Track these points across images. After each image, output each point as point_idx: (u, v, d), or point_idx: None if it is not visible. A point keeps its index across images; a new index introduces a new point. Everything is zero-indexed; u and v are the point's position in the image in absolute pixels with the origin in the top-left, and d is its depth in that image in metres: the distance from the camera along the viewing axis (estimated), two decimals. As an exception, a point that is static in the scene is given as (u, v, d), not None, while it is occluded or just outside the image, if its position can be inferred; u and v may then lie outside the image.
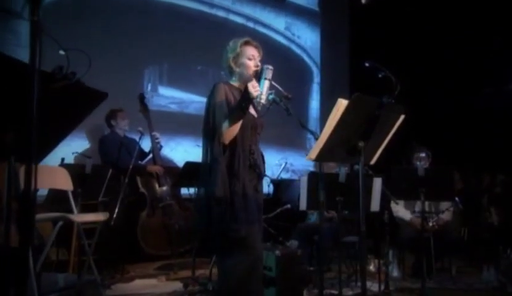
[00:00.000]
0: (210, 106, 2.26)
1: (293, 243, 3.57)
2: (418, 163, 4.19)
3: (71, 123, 1.67)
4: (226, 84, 2.36)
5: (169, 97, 5.78)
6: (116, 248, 4.21)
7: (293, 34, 7.35)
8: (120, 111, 4.63)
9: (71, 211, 3.24)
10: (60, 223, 2.95)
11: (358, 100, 1.73)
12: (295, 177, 6.94)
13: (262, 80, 2.22)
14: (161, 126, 5.34)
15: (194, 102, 5.89)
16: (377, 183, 3.32)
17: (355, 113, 1.77)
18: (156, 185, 4.62)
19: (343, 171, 3.55)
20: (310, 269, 3.49)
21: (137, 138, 4.48)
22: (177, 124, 5.67)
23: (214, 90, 2.28)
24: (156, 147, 4.65)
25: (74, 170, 3.31)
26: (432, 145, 6.77)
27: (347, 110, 1.68)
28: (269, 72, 2.23)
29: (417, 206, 3.99)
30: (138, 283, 3.95)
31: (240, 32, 5.68)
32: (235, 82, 2.40)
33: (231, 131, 2.18)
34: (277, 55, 6.95)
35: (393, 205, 4.04)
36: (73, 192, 3.26)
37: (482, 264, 4.19)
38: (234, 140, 2.21)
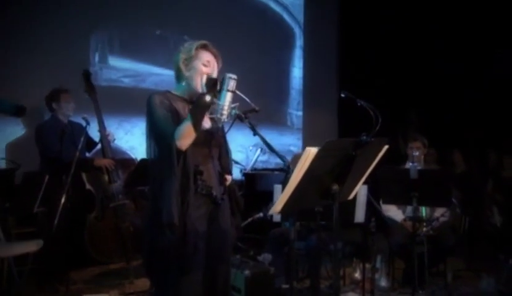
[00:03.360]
0: (152, 123, 2.23)
1: (266, 258, 3.59)
2: (414, 153, 4.21)
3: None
4: (164, 93, 2.32)
5: (121, 69, 5.63)
6: (60, 255, 4.18)
7: (271, -13, 7.17)
8: (64, 92, 4.46)
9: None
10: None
11: (330, 146, 1.70)
12: (273, 160, 6.95)
13: (223, 92, 2.17)
14: (112, 105, 5.25)
15: (152, 74, 5.76)
16: (362, 191, 3.34)
17: (326, 158, 1.74)
18: (107, 182, 4.54)
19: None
20: (286, 287, 3.54)
21: (83, 123, 4.37)
22: (132, 101, 5.54)
23: (149, 104, 2.24)
24: (106, 138, 4.54)
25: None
26: (432, 123, 6.93)
27: (317, 157, 1.65)
28: (232, 82, 2.17)
29: (409, 211, 4.05)
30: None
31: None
32: (179, 92, 2.36)
33: (186, 138, 2.13)
34: (251, 13, 6.80)
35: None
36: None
37: (481, 270, 4.32)
38: (169, 170, 2.15)
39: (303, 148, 7.57)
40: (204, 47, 2.34)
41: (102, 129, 4.56)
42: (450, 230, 4.33)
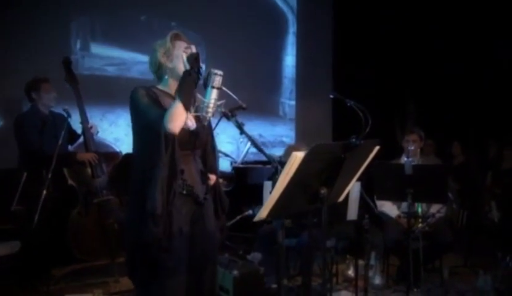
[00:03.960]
0: (138, 115, 2.24)
1: (255, 257, 3.61)
2: (409, 147, 4.22)
3: None
4: (149, 88, 2.33)
5: (104, 57, 5.60)
6: (41, 254, 4.17)
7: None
8: (45, 81, 4.41)
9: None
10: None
11: (317, 150, 1.70)
12: (265, 150, 6.94)
13: (209, 88, 2.16)
14: (95, 95, 5.21)
15: (138, 62, 5.73)
16: (355, 188, 3.35)
17: (314, 162, 1.74)
18: (90, 177, 4.51)
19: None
20: (274, 287, 3.56)
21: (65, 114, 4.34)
22: (116, 91, 5.52)
23: (133, 97, 2.25)
24: (88, 131, 4.50)
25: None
26: (431, 113, 6.96)
27: (304, 162, 1.64)
28: (217, 78, 2.16)
29: (404, 207, 4.07)
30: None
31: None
32: (164, 87, 2.38)
33: (177, 120, 2.13)
34: (241, -2, 6.75)
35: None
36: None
37: (478, 267, 4.37)
38: (157, 158, 2.16)
39: (296, 139, 7.57)
40: (177, 37, 2.37)
41: (84, 121, 4.50)
42: (447, 225, 4.36)
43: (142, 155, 2.26)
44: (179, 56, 2.30)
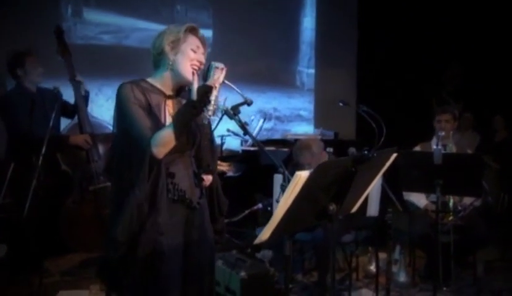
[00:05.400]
0: (124, 122, 2.23)
1: (266, 255, 3.64)
2: (440, 133, 4.17)
3: None
4: (138, 82, 2.30)
5: (99, 24, 5.59)
6: (32, 245, 4.26)
7: None
8: (30, 55, 4.40)
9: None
10: None
11: (324, 169, 1.69)
12: (280, 126, 6.96)
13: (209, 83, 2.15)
14: (90, 67, 5.21)
15: (136, 29, 5.71)
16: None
17: (320, 179, 1.73)
18: (85, 161, 4.54)
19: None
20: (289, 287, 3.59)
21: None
22: (113, 62, 5.54)
23: (120, 98, 2.24)
24: (80, 100, 4.49)
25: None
26: (471, 82, 6.85)
27: (308, 181, 1.64)
28: (219, 72, 2.15)
29: (434, 196, 4.05)
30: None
31: None
32: (156, 81, 2.35)
33: (165, 146, 2.15)
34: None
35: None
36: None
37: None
38: (136, 180, 2.18)
39: (315, 113, 7.52)
40: (192, 30, 2.34)
41: (79, 97, 4.53)
42: (482, 217, 4.33)
43: (121, 163, 2.26)
44: (185, 53, 2.29)
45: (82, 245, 4.59)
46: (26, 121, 4.18)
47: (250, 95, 2.36)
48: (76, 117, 4.60)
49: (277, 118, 6.93)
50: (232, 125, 2.29)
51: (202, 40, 2.37)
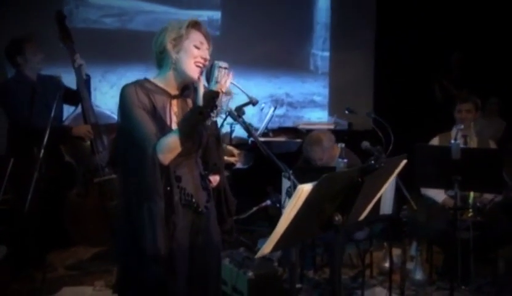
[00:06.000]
0: (128, 127, 2.23)
1: (274, 253, 3.65)
2: (459, 127, 4.13)
3: None
4: (141, 83, 2.30)
5: (102, 6, 5.59)
6: (35, 239, 4.32)
7: None
8: (29, 41, 4.42)
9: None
10: None
11: (327, 182, 1.68)
12: (293, 113, 6.94)
13: (212, 83, 2.14)
14: (93, 52, 5.20)
15: (141, 12, 5.70)
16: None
17: (325, 191, 1.73)
18: (89, 152, 4.57)
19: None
20: (298, 287, 3.62)
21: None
22: (117, 47, 5.54)
23: (124, 101, 2.24)
24: (84, 89, 4.51)
25: None
26: (497, 65, 6.77)
27: (312, 194, 1.64)
28: (222, 72, 2.14)
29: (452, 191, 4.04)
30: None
31: None
32: (160, 79, 2.35)
33: (171, 153, 2.17)
34: None
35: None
36: None
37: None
38: (152, 189, 2.19)
39: (330, 99, 7.48)
40: (195, 25, 2.32)
41: (81, 85, 4.54)
42: (504, 213, 4.30)
43: (134, 176, 2.25)
44: (188, 50, 2.28)
45: (86, 238, 4.65)
46: (27, 111, 4.22)
47: (260, 80, 2.37)
48: (79, 106, 4.62)
49: (290, 104, 6.89)
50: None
51: (206, 35, 2.35)
